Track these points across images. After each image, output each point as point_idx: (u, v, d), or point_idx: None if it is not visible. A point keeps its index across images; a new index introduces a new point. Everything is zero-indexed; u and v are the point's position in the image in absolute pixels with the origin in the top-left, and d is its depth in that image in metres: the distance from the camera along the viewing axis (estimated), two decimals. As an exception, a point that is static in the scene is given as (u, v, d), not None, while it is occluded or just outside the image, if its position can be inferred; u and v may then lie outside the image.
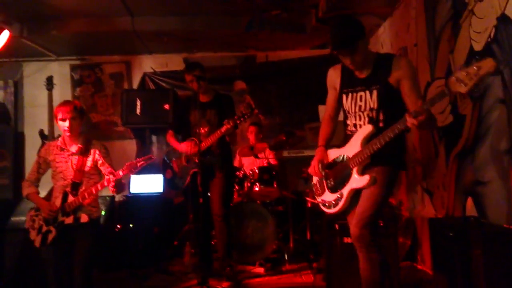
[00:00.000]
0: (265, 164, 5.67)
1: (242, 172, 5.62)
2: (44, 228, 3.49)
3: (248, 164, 5.96)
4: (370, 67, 2.97)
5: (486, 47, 3.36)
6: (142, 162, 3.41)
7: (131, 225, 5.55)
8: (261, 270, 4.99)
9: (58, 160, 3.58)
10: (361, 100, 2.98)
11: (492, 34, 3.28)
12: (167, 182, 4.86)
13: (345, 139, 3.09)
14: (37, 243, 3.49)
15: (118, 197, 5.47)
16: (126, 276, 5.00)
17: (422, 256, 4.67)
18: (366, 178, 2.88)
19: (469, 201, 3.70)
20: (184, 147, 4.58)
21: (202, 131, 4.48)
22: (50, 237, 3.44)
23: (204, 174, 4.37)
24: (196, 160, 4.42)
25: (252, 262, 5.12)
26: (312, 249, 5.28)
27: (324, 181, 3.17)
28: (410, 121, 2.53)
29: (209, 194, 4.64)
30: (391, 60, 2.93)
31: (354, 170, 2.93)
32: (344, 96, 3.08)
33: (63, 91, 7.00)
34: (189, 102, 4.79)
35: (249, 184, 5.42)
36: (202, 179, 4.31)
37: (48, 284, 3.51)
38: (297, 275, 4.75)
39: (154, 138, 7.10)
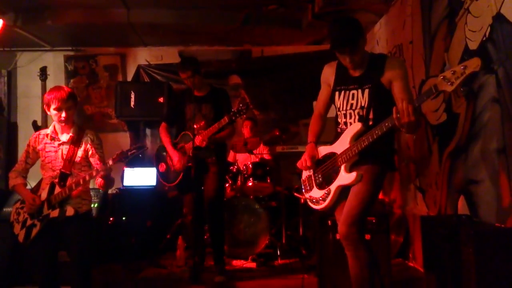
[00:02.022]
0: (259, 160, 5.67)
1: (235, 167, 5.62)
2: (29, 222, 3.28)
3: (242, 160, 5.95)
4: (364, 66, 3.00)
5: (481, 46, 3.37)
6: (134, 151, 3.20)
7: (124, 218, 5.54)
8: (253, 265, 5.00)
9: (47, 150, 3.36)
10: (353, 98, 3.00)
11: (487, 33, 3.29)
12: (160, 175, 4.83)
13: (336, 136, 3.10)
14: (20, 238, 3.28)
15: (111, 190, 5.45)
16: (119, 269, 5.00)
17: (413, 253, 4.70)
18: (353, 175, 2.89)
19: (461, 199, 3.72)
20: (175, 157, 4.54)
21: (198, 126, 4.46)
22: (34, 231, 3.23)
23: (198, 168, 4.36)
24: (190, 154, 4.41)
25: (244, 257, 5.13)
26: (304, 245, 5.30)
27: (312, 177, 3.18)
28: (395, 116, 2.56)
29: (202, 188, 4.63)
30: (385, 60, 2.96)
31: (342, 167, 2.95)
32: (336, 94, 3.10)
33: (57, 82, 6.91)
34: (184, 95, 4.76)
35: (242, 179, 5.42)
36: (196, 173, 4.32)
37: (38, 280, 3.35)
38: (289, 271, 4.76)
39: (148, 131, 7.07)
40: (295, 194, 5.38)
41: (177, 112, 4.73)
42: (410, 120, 2.51)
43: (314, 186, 3.15)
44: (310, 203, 3.20)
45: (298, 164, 3.21)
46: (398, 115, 2.54)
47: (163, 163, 4.75)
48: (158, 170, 4.84)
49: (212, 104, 4.58)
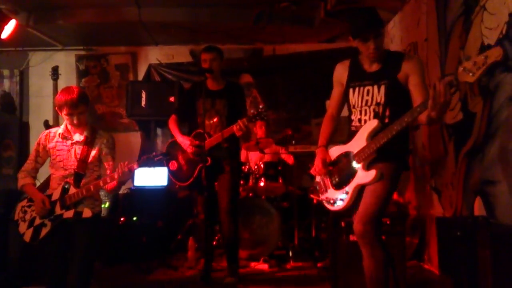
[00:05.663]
0: (275, 160, 5.61)
1: (247, 167, 5.57)
2: (38, 221, 3.18)
3: (254, 159, 5.90)
4: (381, 61, 2.94)
5: (498, 44, 3.30)
6: (160, 157, 3.18)
7: (134, 218, 5.53)
8: (265, 266, 4.94)
9: (59, 148, 3.26)
10: (368, 94, 2.94)
11: (504, 31, 3.23)
12: (171, 174, 4.71)
13: (350, 135, 3.04)
14: (27, 238, 3.18)
15: (122, 190, 5.43)
16: (129, 269, 4.99)
17: (429, 255, 4.63)
18: (372, 173, 2.82)
19: (478, 200, 3.65)
20: (185, 141, 4.41)
21: (211, 122, 4.40)
22: (44, 231, 3.14)
23: (211, 168, 4.31)
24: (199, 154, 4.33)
25: (256, 258, 5.08)
26: (317, 247, 5.24)
27: (328, 179, 3.12)
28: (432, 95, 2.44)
29: (216, 189, 4.56)
30: (402, 57, 2.94)
31: (360, 166, 2.88)
32: (350, 90, 3.04)
33: (68, 82, 6.93)
34: (195, 89, 4.59)
35: (254, 179, 5.38)
36: (209, 173, 4.27)
37: (47, 280, 3.31)
38: (302, 273, 4.70)
39: (159, 130, 7.06)
40: (311, 195, 5.30)
41: (188, 106, 4.60)
42: (446, 99, 2.41)
43: (330, 187, 3.09)
44: (326, 205, 3.14)
45: (312, 171, 3.18)
46: (435, 95, 2.43)
47: (174, 161, 4.63)
48: (168, 169, 4.73)
49: (227, 100, 4.46)
